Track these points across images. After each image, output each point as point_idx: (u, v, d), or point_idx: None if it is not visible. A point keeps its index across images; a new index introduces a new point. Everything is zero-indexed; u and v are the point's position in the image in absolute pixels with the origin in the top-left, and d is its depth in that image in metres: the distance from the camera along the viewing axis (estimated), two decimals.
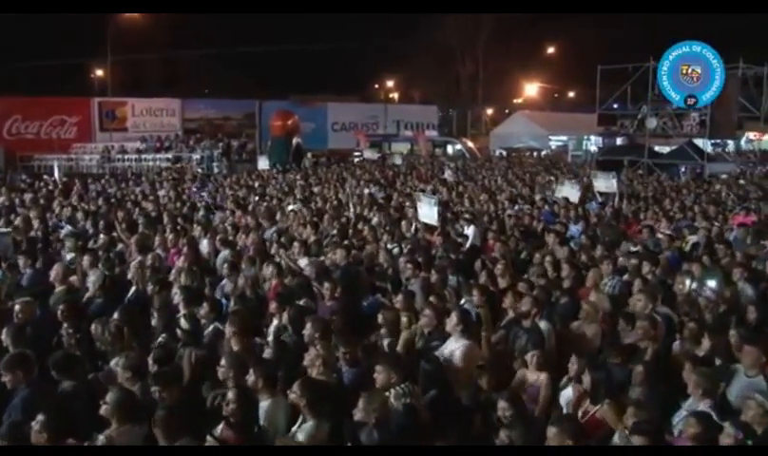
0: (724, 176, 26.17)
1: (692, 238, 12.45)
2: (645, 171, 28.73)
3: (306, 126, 37.96)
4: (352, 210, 14.32)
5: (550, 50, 62.59)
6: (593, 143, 47.68)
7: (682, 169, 28.94)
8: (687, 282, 8.50)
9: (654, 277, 9.07)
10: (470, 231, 11.91)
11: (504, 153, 46.70)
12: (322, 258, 9.99)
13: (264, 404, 5.02)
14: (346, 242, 10.69)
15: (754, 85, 29.11)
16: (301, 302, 7.83)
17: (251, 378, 5.07)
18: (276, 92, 46.66)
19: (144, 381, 5.18)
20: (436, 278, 8.94)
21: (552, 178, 23.48)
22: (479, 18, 57.43)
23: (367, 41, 58.30)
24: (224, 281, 8.91)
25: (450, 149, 44.15)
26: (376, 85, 69.91)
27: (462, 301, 8.46)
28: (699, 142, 29.42)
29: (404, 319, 7.32)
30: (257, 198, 17.53)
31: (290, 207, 15.28)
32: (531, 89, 67.07)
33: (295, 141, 31.84)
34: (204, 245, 11.34)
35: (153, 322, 6.96)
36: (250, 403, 4.83)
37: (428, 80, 60.52)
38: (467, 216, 13.00)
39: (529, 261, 10.49)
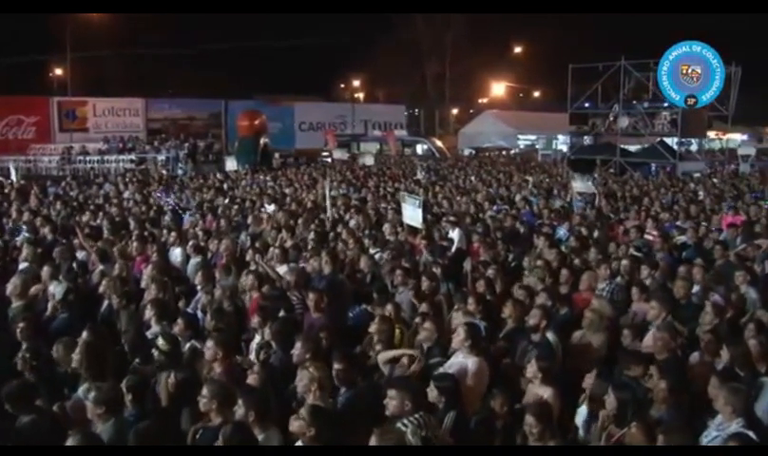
0: (697, 174, 26.20)
1: (680, 239, 12.17)
2: (618, 170, 28.69)
3: (273, 126, 37.18)
4: (328, 212, 13.68)
5: (517, 50, 62.75)
6: (561, 142, 47.85)
7: (653, 167, 28.96)
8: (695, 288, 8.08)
9: (653, 281, 8.67)
10: (455, 234, 11.38)
11: (473, 152, 46.56)
12: (303, 265, 9.37)
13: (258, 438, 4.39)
14: (328, 248, 10.05)
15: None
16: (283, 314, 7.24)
17: (240, 411, 4.44)
18: (240, 92, 45.73)
19: (120, 416, 4.52)
20: (427, 286, 8.41)
21: (528, 177, 23.16)
22: (446, 17, 57.25)
23: (332, 40, 57.57)
24: (199, 293, 8.24)
25: (419, 149, 43.79)
26: (342, 85, 69.40)
27: (455, 310, 8.00)
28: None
29: (396, 332, 6.77)
30: (226, 200, 16.79)
31: (266, 209, 14.60)
32: (499, 89, 67.16)
33: (262, 141, 31.08)
34: (176, 253, 10.63)
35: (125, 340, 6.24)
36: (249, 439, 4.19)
37: (394, 79, 60.12)
38: (451, 218, 12.47)
39: (519, 266, 10.04)
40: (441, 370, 5.90)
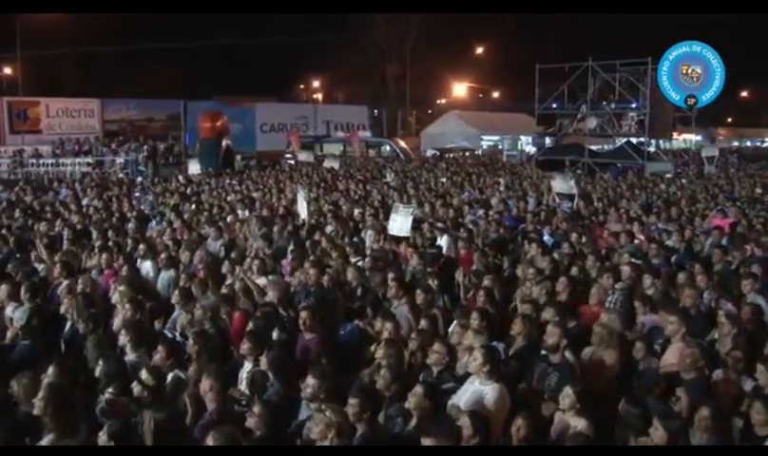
0: (669, 175, 26.25)
1: (668, 243, 11.83)
2: (585, 171, 28.60)
3: (234, 128, 36.09)
4: (304, 218, 12.98)
5: (478, 51, 62.77)
6: (524, 143, 47.91)
7: (618, 167, 28.94)
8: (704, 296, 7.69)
9: (656, 291, 8.27)
10: (443, 241, 10.84)
11: (436, 153, 46.19)
12: (288, 279, 8.72)
13: None
14: (313, 258, 9.40)
15: None
16: (274, 335, 6.60)
17: None
18: (197, 92, 44.47)
19: None
20: (423, 299, 7.85)
21: (500, 180, 22.79)
22: (406, 17, 56.86)
23: (291, 40, 56.62)
24: (176, 313, 7.51)
25: (382, 150, 43.21)
26: (302, 86, 68.46)
27: (453, 325, 7.46)
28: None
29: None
30: (192, 206, 15.95)
31: (239, 215, 13.84)
32: (460, 89, 67.09)
33: (224, 142, 30.10)
34: (146, 266, 9.85)
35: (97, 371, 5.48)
36: None
37: (354, 80, 59.50)
38: (439, 224, 11.91)
39: (513, 274, 9.55)
40: (456, 398, 5.36)
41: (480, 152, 47.95)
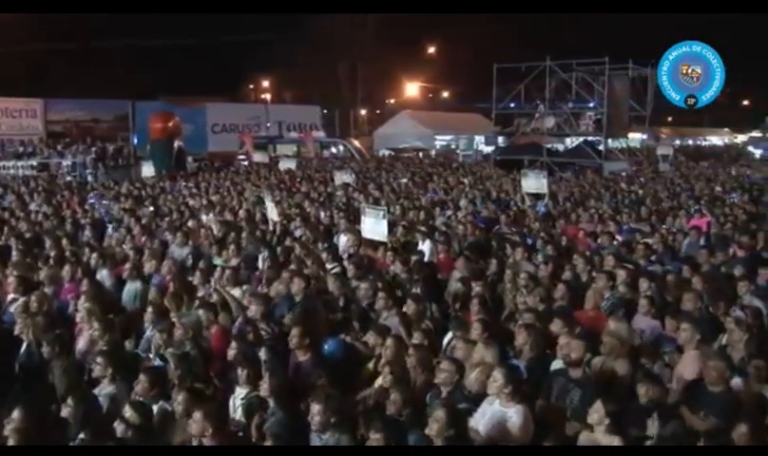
0: (624, 173, 26.43)
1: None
2: (545, 170, 28.57)
3: (185, 128, 34.99)
4: (274, 222, 12.31)
5: (430, 50, 62.77)
6: (482, 143, 47.99)
7: (576, 167, 29.08)
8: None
9: (654, 295, 7.97)
10: (425, 246, 10.37)
11: (390, 153, 45.83)
12: (265, 290, 8.11)
13: None
14: (293, 266, 8.81)
15: (640, 85, 29.93)
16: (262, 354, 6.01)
17: None
18: (144, 92, 42.94)
19: None
20: (414, 310, 7.36)
21: (465, 180, 22.50)
22: (359, 17, 56.40)
23: (240, 39, 55.38)
24: (149, 331, 6.85)
25: (335, 150, 42.63)
26: (251, 86, 67.25)
27: (448, 337, 7.01)
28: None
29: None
30: (150, 209, 15.12)
31: (203, 220, 13.11)
32: (413, 89, 66.98)
33: (176, 144, 29.06)
34: (104, 276, 9.10)
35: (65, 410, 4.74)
36: None
37: (304, 80, 58.68)
38: (422, 228, 11.43)
39: (500, 280, 9.15)
40: (474, 421, 4.90)
41: (434, 152, 47.79)
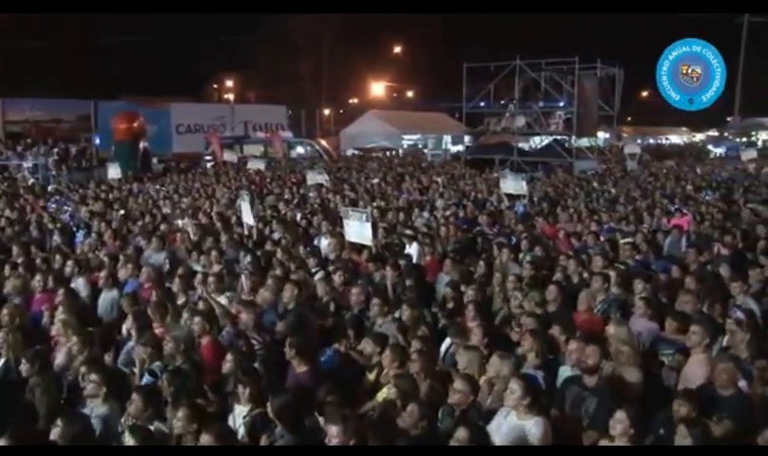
0: (592, 172, 26.58)
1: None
2: (515, 169, 28.64)
3: (148, 129, 34.20)
4: (252, 225, 11.95)
5: (396, 50, 62.68)
6: (447, 142, 48.03)
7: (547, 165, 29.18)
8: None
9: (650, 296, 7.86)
10: (413, 249, 10.13)
11: (357, 153, 45.55)
12: (251, 298, 7.77)
13: None
14: (279, 272, 8.50)
15: (607, 84, 30.25)
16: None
17: None
18: (105, 91, 41.83)
19: None
20: (409, 316, 7.12)
21: (438, 180, 22.34)
22: (323, 16, 55.91)
23: (203, 38, 54.47)
24: (130, 343, 6.46)
25: (301, 149, 42.15)
26: (215, 85, 66.23)
27: (447, 343, 6.79)
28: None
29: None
30: (121, 212, 14.58)
31: (178, 224, 12.67)
32: (378, 88, 66.79)
33: (142, 145, 28.36)
34: (79, 285, 8.66)
35: (55, 432, 4.38)
36: None
37: (268, 79, 58.01)
38: (408, 231, 11.19)
39: (488, 283, 8.96)
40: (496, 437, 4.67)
41: (401, 151, 47.66)
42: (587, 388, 5.26)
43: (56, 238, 11.56)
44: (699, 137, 73.71)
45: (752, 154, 30.31)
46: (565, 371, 5.76)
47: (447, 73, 39.12)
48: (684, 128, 78.16)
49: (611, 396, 5.05)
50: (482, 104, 31.07)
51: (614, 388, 5.75)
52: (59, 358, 6.37)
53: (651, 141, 70.44)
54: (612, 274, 8.23)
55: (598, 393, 5.14)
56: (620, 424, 4.45)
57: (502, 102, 31.76)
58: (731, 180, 23.56)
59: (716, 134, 68.98)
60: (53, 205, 14.40)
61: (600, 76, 29.86)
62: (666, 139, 74.58)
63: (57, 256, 9.96)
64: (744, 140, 56.71)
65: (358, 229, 10.02)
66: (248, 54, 54.40)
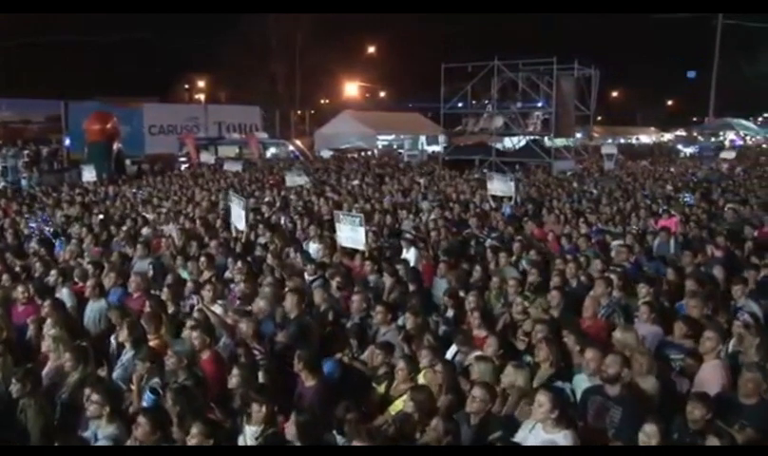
0: (570, 172, 26.66)
1: (615, 244, 11.50)
2: (493, 170, 28.62)
3: (121, 130, 33.50)
4: (242, 230, 11.60)
5: (370, 50, 62.47)
6: (422, 143, 47.96)
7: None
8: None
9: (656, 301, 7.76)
10: (410, 254, 9.93)
11: (333, 154, 45.24)
12: (247, 307, 7.49)
13: None
14: (272, 279, 8.24)
15: (584, 85, 30.43)
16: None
17: None
18: (74, 91, 40.91)
19: None
20: (413, 324, 6.92)
21: (420, 181, 22.18)
22: (296, 16, 55.48)
23: (174, 38, 53.65)
24: (125, 357, 6.15)
25: (275, 150, 41.71)
26: (186, 86, 65.37)
27: (453, 351, 6.62)
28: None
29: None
30: (100, 217, 14.13)
31: (163, 231, 12.27)
32: (352, 89, 66.51)
33: (115, 146, 27.72)
34: (64, 295, 8.28)
35: None
36: None
37: (241, 80, 57.36)
38: (407, 235, 10.99)
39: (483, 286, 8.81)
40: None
41: (376, 152, 47.47)
42: (610, 397, 5.11)
43: (33, 245, 11.11)
44: (667, 136, 74.70)
45: (731, 154, 30.82)
46: (581, 380, 5.61)
47: (420, 73, 39.01)
48: (653, 128, 79.24)
49: (635, 406, 4.90)
50: (460, 104, 30.98)
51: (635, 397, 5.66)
52: (49, 375, 6.05)
53: (622, 140, 71.24)
54: (614, 277, 8.14)
55: (621, 403, 5.00)
56: (653, 438, 4.30)
57: (479, 102, 31.71)
58: (707, 181, 23.79)
59: (684, 134, 69.97)
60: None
61: (576, 76, 30.01)
62: (637, 139, 75.43)
63: (38, 265, 9.58)
64: (713, 140, 57.57)
65: (351, 233, 9.83)
66: (219, 54, 53.63)
